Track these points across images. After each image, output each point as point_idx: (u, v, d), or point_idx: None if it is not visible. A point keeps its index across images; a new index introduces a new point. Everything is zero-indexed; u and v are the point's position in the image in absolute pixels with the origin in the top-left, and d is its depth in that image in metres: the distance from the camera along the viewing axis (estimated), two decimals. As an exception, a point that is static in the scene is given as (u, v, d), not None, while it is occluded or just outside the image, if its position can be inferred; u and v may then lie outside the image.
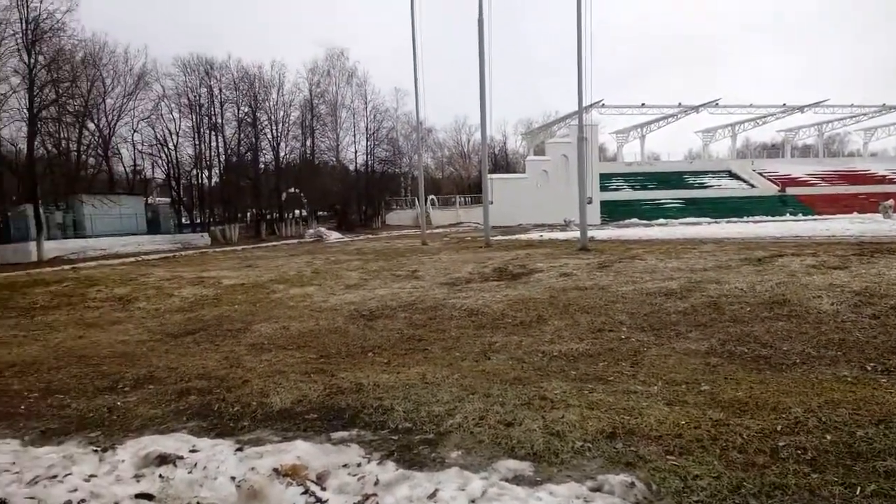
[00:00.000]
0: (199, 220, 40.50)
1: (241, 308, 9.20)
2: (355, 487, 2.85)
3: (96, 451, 3.43)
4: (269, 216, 43.47)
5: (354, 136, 49.14)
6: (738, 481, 2.69)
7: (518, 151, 74.79)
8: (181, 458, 3.21)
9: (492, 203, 25.92)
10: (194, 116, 39.11)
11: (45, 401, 4.75)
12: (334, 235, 34.10)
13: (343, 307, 8.51)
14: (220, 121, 40.33)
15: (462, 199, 57.23)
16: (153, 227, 33.52)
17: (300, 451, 3.24)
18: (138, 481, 3.01)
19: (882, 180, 59.16)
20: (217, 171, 41.94)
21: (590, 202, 21.75)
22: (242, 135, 41.45)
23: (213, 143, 40.62)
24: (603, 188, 52.38)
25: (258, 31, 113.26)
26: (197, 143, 39.44)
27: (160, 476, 3.03)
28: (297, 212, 48.17)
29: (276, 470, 2.96)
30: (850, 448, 2.98)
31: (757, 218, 42.43)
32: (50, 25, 25.86)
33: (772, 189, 58.10)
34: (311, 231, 36.27)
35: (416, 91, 24.16)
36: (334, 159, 49.24)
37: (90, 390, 4.99)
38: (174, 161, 38.84)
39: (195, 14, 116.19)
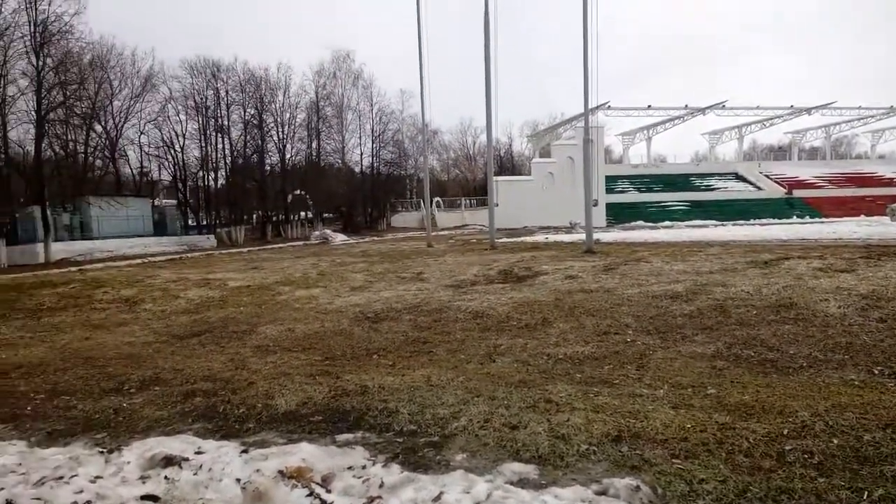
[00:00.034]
0: (205, 222, 40.69)
1: (247, 310, 9.23)
2: (360, 490, 2.85)
3: (102, 452, 3.45)
4: (274, 218, 43.66)
5: (360, 137, 49.28)
6: (744, 485, 2.68)
7: (523, 153, 74.93)
8: (187, 459, 3.22)
9: (497, 205, 25.89)
10: (201, 118, 39.41)
11: (52, 402, 4.77)
12: (340, 237, 34.16)
13: (348, 309, 8.52)
14: (226, 123, 40.63)
15: (468, 201, 57.37)
16: (160, 228, 33.72)
17: (305, 453, 3.24)
18: (144, 483, 3.03)
19: (890, 183, 58.76)
20: (223, 173, 42.30)
21: (595, 204, 21.67)
22: (248, 137, 41.70)
23: (220, 145, 40.94)
24: (609, 190, 52.32)
25: (258, 31, 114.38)
26: (203, 145, 39.76)
27: (166, 478, 3.04)
28: (302, 214, 48.31)
29: (281, 472, 2.96)
30: (857, 452, 2.96)
31: (763, 221, 42.18)
32: (58, 28, 26.16)
33: (779, 191, 57.78)
34: (317, 233, 36.36)
35: (421, 93, 24.18)
36: (340, 161, 49.35)
37: (96, 392, 5.02)
38: (181, 163, 39.18)
39: (195, 14, 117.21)
